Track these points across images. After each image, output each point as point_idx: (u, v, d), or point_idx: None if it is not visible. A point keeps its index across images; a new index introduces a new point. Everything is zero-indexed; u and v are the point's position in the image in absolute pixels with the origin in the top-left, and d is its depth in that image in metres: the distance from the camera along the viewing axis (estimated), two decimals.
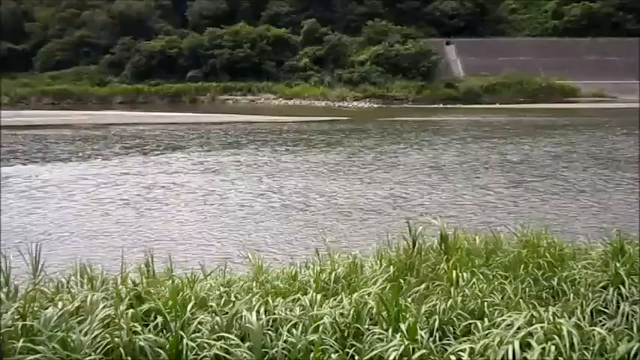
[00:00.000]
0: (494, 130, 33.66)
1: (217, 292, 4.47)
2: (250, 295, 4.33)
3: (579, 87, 55.88)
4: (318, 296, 4.06)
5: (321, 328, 3.51)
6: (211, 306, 4.03)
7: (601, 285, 4.41)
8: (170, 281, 4.88)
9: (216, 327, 3.68)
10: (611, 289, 4.24)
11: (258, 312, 3.85)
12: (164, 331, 3.69)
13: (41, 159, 22.86)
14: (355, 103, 55.35)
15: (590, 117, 41.53)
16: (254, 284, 5.05)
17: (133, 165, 21.21)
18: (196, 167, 20.63)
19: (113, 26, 68.43)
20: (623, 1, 64.50)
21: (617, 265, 4.56)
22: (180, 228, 12.24)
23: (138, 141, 29.10)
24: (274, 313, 3.88)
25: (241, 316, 3.75)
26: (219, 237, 11.59)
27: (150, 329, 3.65)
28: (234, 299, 4.21)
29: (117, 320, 3.54)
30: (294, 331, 3.55)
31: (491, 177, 18.27)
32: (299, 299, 4.16)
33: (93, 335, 3.47)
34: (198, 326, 3.71)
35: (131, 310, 3.75)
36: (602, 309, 4.10)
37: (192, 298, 4.16)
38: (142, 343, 3.41)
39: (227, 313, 3.90)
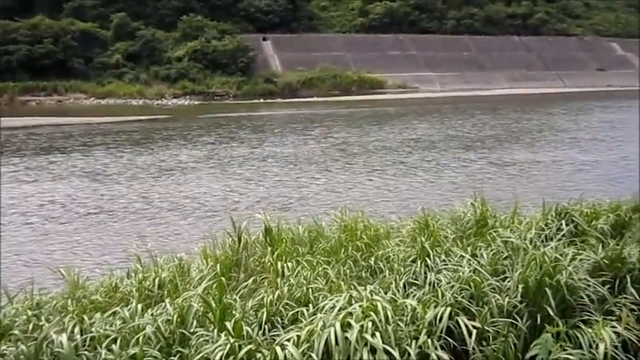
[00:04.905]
0: (341, 120, 35.18)
1: (24, 317, 4.00)
2: (63, 314, 3.95)
3: (386, 79, 60.78)
4: (139, 306, 3.83)
5: (142, 340, 3.31)
6: (15, 334, 3.58)
7: (411, 259, 4.82)
8: None
9: (21, 357, 3.27)
10: (419, 262, 4.66)
11: (72, 332, 3.52)
12: None
13: None
14: (175, 101, 53.61)
15: (408, 106, 45.48)
16: (69, 302, 4.63)
17: None
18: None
19: None
20: (418, 1, 71.51)
21: (423, 239, 5.03)
22: None
23: None
24: (91, 331, 3.57)
25: (52, 340, 3.39)
26: (29, 252, 10.44)
27: None
28: (44, 322, 3.80)
29: None
30: (113, 346, 3.30)
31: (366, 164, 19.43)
32: (119, 312, 3.89)
33: None
34: None
35: None
36: (413, 281, 4.47)
37: None
38: None
39: (36, 339, 3.50)
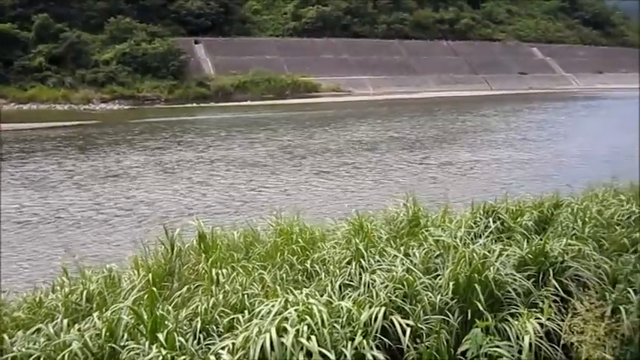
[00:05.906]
0: (283, 123, 34.94)
1: None
2: None
3: (320, 83, 61.19)
4: (65, 321, 3.65)
5: (67, 357, 3.16)
6: None
7: (346, 261, 4.85)
8: None
9: None
10: (354, 263, 4.70)
11: None
12: None
13: None
14: (103, 105, 51.68)
15: (344, 109, 45.83)
16: None
17: None
18: None
19: None
20: (350, 6, 72.55)
21: (358, 241, 5.08)
22: None
23: None
24: (12, 351, 3.37)
25: None
26: None
27: None
28: None
29: None
30: None
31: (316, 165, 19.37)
32: (43, 329, 3.69)
33: None
34: None
35: None
36: (349, 282, 4.50)
37: None
38: None
39: None
